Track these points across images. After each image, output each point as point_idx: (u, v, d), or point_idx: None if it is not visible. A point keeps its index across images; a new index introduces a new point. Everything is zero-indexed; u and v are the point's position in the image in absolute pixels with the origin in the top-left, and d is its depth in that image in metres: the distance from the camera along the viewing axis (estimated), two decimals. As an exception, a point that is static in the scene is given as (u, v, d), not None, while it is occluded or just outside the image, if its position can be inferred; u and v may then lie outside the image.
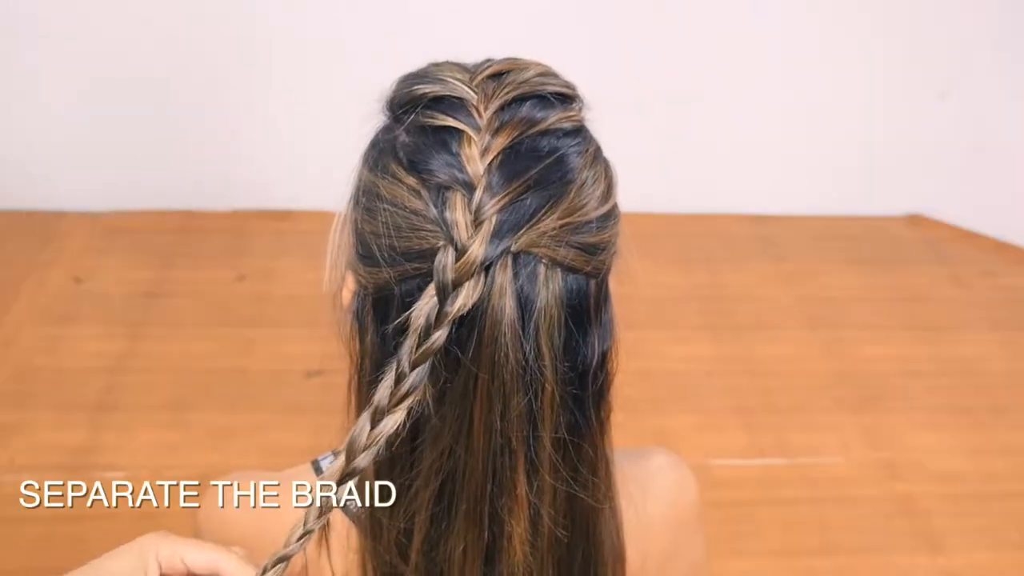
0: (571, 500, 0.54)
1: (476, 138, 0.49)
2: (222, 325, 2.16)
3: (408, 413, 0.48)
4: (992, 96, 2.47)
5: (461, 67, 0.54)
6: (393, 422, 0.48)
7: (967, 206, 2.61)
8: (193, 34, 2.33)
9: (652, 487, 0.66)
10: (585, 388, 0.53)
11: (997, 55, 2.44)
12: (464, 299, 0.47)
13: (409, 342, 0.47)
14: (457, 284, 0.47)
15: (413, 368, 0.47)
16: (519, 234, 0.48)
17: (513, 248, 0.48)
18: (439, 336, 0.47)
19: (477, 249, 0.47)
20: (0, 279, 2.29)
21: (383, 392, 0.48)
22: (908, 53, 2.46)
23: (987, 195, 2.58)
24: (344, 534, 0.59)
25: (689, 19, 2.38)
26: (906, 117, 2.54)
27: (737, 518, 1.74)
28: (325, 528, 0.59)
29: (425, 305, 0.48)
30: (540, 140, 0.51)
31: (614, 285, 0.56)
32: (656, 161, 2.45)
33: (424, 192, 0.49)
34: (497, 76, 0.52)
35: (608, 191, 0.53)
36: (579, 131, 0.53)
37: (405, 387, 0.48)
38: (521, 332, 0.49)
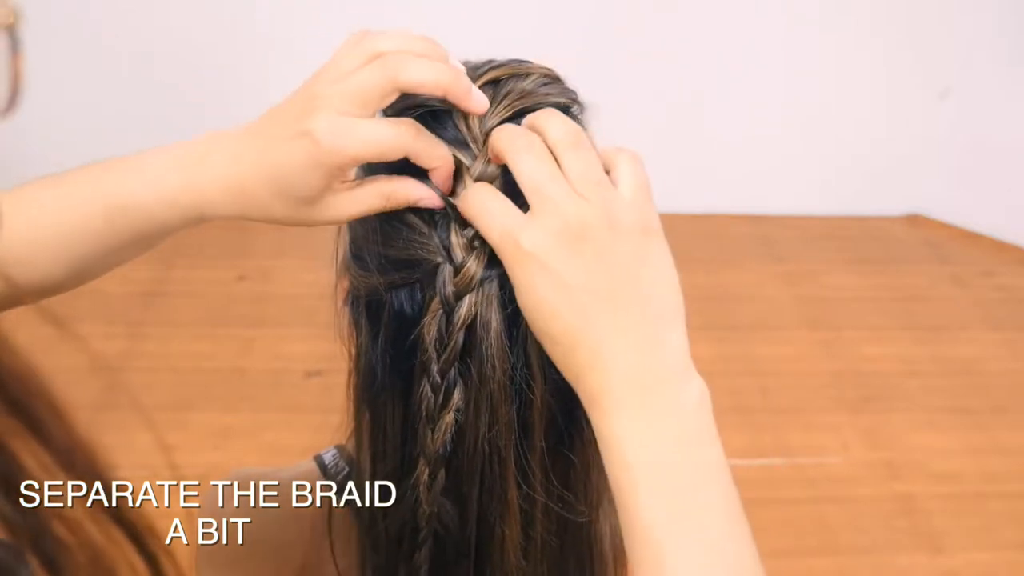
0: (564, 506, 0.54)
1: (468, 158, 0.49)
2: (222, 325, 2.16)
3: (454, 414, 0.50)
4: (992, 96, 2.47)
5: None
6: (444, 425, 0.50)
7: (967, 206, 2.61)
8: (194, 33, 2.33)
9: None
10: (576, 395, 0.53)
11: (997, 55, 2.44)
12: (468, 308, 0.48)
13: (432, 354, 0.49)
14: (459, 297, 0.48)
15: (443, 375, 0.49)
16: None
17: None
18: (456, 341, 0.49)
19: (475, 267, 0.48)
20: None
21: (426, 403, 0.50)
22: (908, 53, 2.46)
23: (987, 195, 2.58)
24: (346, 533, 0.59)
25: (689, 19, 2.38)
26: (906, 117, 2.54)
27: (737, 518, 1.74)
28: (329, 526, 0.59)
29: (432, 320, 0.49)
30: None
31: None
32: (656, 161, 2.44)
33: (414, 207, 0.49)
34: (495, 83, 0.51)
35: None
36: None
37: (442, 394, 0.50)
38: (508, 342, 0.49)
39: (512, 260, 0.43)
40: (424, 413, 0.50)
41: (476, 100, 0.47)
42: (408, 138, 0.46)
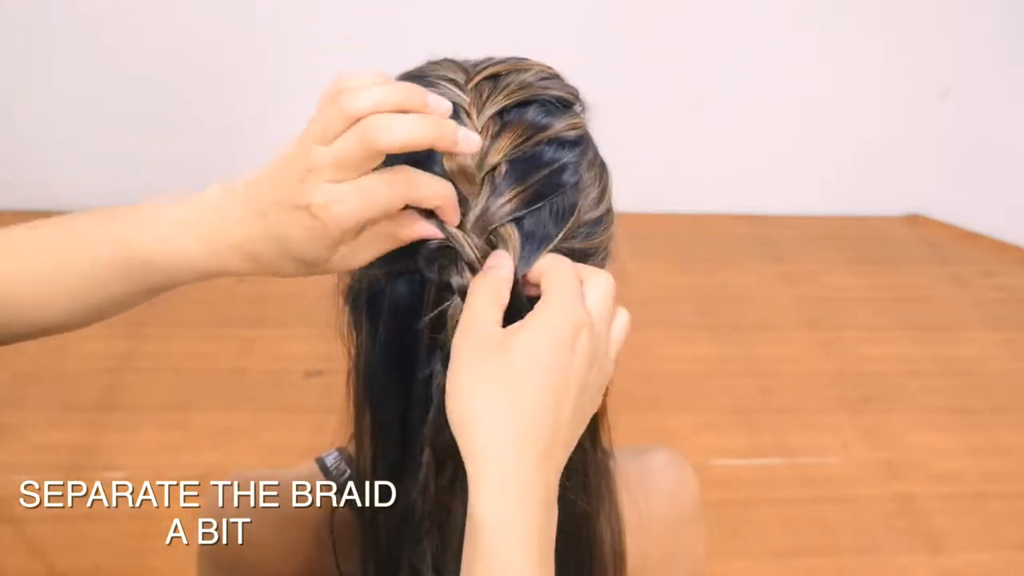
0: (563, 502, 0.54)
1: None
2: (222, 325, 2.16)
3: None
4: (992, 96, 2.47)
5: (459, 66, 0.53)
6: None
7: (967, 206, 2.61)
8: (193, 33, 2.33)
9: (653, 484, 0.66)
10: None
11: (997, 55, 2.44)
12: None
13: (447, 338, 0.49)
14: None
15: None
16: (542, 247, 0.49)
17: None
18: None
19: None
20: (0, 279, 2.29)
21: (437, 391, 0.50)
22: (908, 53, 2.46)
23: (987, 195, 2.58)
24: (348, 535, 0.59)
25: (689, 19, 2.38)
26: (906, 117, 2.54)
27: (737, 518, 1.74)
28: (331, 527, 0.59)
29: (450, 307, 0.49)
30: (543, 151, 0.50)
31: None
32: (656, 161, 2.45)
33: None
34: (495, 78, 0.51)
35: (601, 196, 0.53)
36: (581, 140, 0.52)
37: None
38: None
39: (562, 338, 0.45)
40: (436, 400, 0.50)
41: (465, 142, 0.46)
42: (402, 189, 0.46)
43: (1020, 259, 2.54)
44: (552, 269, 0.47)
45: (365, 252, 0.48)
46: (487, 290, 0.46)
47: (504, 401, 0.44)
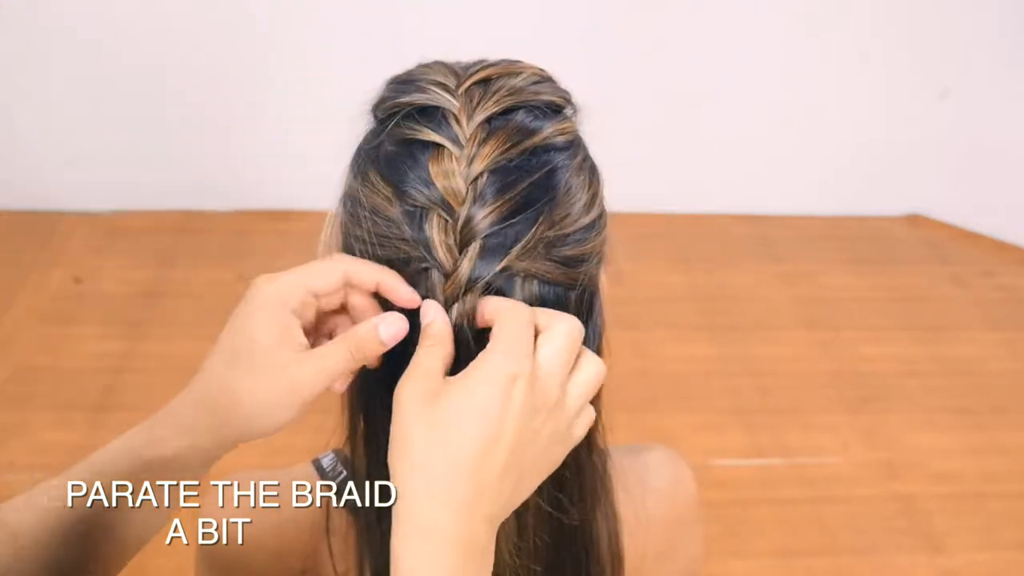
0: (556, 506, 0.54)
1: (457, 153, 0.49)
2: (222, 325, 2.16)
3: None
4: (992, 96, 2.47)
5: (450, 70, 0.52)
6: None
7: (967, 206, 2.61)
8: (193, 34, 2.33)
9: (650, 482, 0.66)
10: None
11: (997, 55, 2.44)
12: (459, 316, 0.48)
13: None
14: (448, 305, 0.48)
15: None
16: (506, 257, 0.48)
17: (499, 268, 0.48)
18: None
19: (465, 271, 0.48)
20: (0, 279, 2.29)
21: None
22: (908, 53, 2.46)
23: (987, 195, 2.58)
24: (343, 535, 0.59)
25: (688, 19, 2.39)
26: (906, 117, 2.55)
27: (736, 518, 1.74)
28: (327, 529, 0.59)
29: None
30: (529, 157, 0.50)
31: (611, 286, 0.55)
32: (655, 161, 2.45)
33: (401, 205, 0.49)
34: (486, 82, 0.51)
35: (592, 201, 0.52)
36: (570, 144, 0.52)
37: None
38: None
39: (494, 390, 0.44)
40: None
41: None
42: (337, 271, 0.50)
43: (1020, 259, 2.54)
44: (503, 316, 0.46)
45: (328, 359, 0.49)
46: (428, 343, 0.47)
47: (429, 448, 0.44)
